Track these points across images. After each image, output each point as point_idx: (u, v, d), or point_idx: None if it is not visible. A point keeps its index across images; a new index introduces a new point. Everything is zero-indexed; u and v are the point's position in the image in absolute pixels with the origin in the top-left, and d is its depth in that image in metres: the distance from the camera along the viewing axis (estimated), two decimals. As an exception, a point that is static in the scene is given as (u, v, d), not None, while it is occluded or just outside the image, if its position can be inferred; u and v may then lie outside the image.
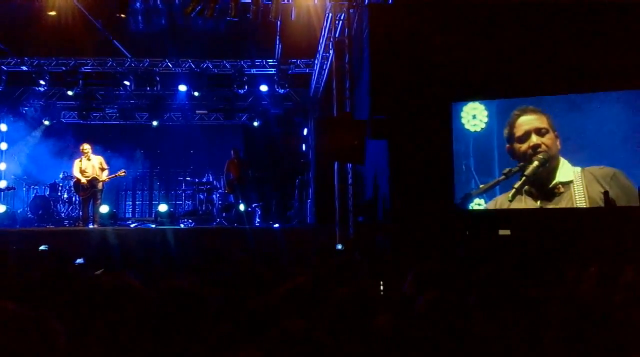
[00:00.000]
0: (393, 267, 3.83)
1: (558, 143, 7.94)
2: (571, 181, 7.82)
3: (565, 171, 7.89)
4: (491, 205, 8.13)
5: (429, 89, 8.09)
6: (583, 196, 7.70)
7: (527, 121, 8.04)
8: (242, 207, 12.17)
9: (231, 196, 12.99)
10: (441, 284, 3.10)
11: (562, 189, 7.82)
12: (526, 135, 8.00)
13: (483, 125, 8.32)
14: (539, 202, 7.92)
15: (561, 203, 7.80)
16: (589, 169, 7.76)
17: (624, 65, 7.55)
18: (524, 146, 8.00)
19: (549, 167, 7.93)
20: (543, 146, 7.92)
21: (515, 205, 7.95)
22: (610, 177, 7.57)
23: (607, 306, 2.62)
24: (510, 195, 8.00)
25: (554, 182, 7.88)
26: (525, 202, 7.94)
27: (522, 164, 8.00)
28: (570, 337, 2.20)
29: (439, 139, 8.19)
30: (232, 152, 12.75)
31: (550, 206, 7.85)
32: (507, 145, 8.14)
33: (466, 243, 7.30)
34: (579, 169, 7.82)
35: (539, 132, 7.98)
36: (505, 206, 7.99)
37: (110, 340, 2.14)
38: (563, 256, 4.32)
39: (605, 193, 7.08)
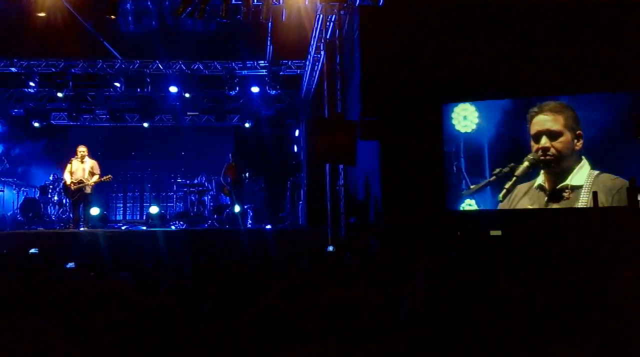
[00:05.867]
0: (384, 268, 3.85)
1: (578, 144, 7.75)
2: (581, 187, 7.67)
3: (581, 174, 7.73)
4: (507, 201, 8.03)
5: (420, 90, 8.12)
6: (585, 204, 7.57)
7: (541, 122, 7.94)
8: (237, 209, 12.20)
9: (225, 197, 13.01)
10: (436, 284, 3.11)
11: (569, 194, 7.71)
12: (538, 136, 7.94)
13: (474, 126, 8.35)
14: (544, 201, 7.86)
15: (561, 207, 7.73)
16: (603, 176, 7.60)
17: (618, 66, 7.62)
18: (535, 146, 7.96)
19: (561, 167, 7.82)
20: (552, 150, 7.84)
21: (525, 202, 7.87)
22: (617, 190, 7.41)
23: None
24: (501, 195, 8.04)
25: (563, 184, 7.81)
26: (536, 200, 7.87)
27: (512, 164, 8.04)
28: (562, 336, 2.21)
29: (430, 140, 8.22)
30: (230, 156, 12.87)
31: (554, 207, 7.78)
32: (530, 139, 8.05)
33: (458, 243, 7.33)
34: (595, 173, 7.65)
35: (551, 134, 7.87)
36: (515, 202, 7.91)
37: (101, 343, 2.13)
38: (552, 255, 4.35)
39: (594, 193, 7.12)
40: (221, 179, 12.59)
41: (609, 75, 7.67)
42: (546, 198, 7.87)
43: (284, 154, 14.60)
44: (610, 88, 7.82)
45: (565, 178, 7.81)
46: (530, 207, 7.90)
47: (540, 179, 7.94)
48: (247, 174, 12.73)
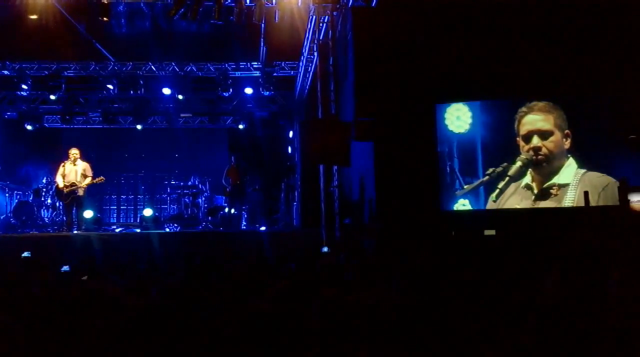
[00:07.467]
0: (378, 269, 3.85)
1: (567, 142, 7.83)
2: (568, 184, 7.75)
3: (568, 173, 7.80)
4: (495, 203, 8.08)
5: (413, 91, 8.14)
6: (572, 201, 7.64)
7: (531, 121, 7.98)
8: (232, 211, 12.23)
9: (220, 199, 13.00)
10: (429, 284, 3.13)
11: (557, 191, 7.78)
12: (529, 136, 7.98)
13: (467, 127, 8.37)
14: (532, 200, 7.92)
15: (550, 205, 7.80)
16: (590, 174, 7.68)
17: (611, 69, 7.68)
18: (526, 146, 7.99)
19: (552, 167, 7.87)
20: (544, 149, 7.88)
21: (513, 201, 7.91)
22: (604, 187, 7.49)
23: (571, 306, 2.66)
24: (494, 195, 8.06)
25: (550, 183, 7.86)
26: (523, 199, 7.91)
27: (505, 164, 8.07)
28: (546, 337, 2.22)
29: (423, 141, 8.24)
30: (232, 158, 12.89)
31: (542, 206, 7.84)
32: (517, 139, 8.07)
33: (452, 243, 7.36)
34: (582, 172, 7.73)
35: (542, 134, 7.92)
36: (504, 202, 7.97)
37: (94, 346, 2.12)
38: (544, 255, 4.37)
39: (585, 193, 7.15)
40: (222, 181, 12.60)
41: (597, 78, 7.74)
42: (534, 197, 7.93)
43: (278, 155, 14.58)
44: (597, 90, 7.90)
45: (552, 177, 7.89)
46: (518, 206, 7.95)
47: (528, 178, 7.99)
48: (247, 178, 12.76)
